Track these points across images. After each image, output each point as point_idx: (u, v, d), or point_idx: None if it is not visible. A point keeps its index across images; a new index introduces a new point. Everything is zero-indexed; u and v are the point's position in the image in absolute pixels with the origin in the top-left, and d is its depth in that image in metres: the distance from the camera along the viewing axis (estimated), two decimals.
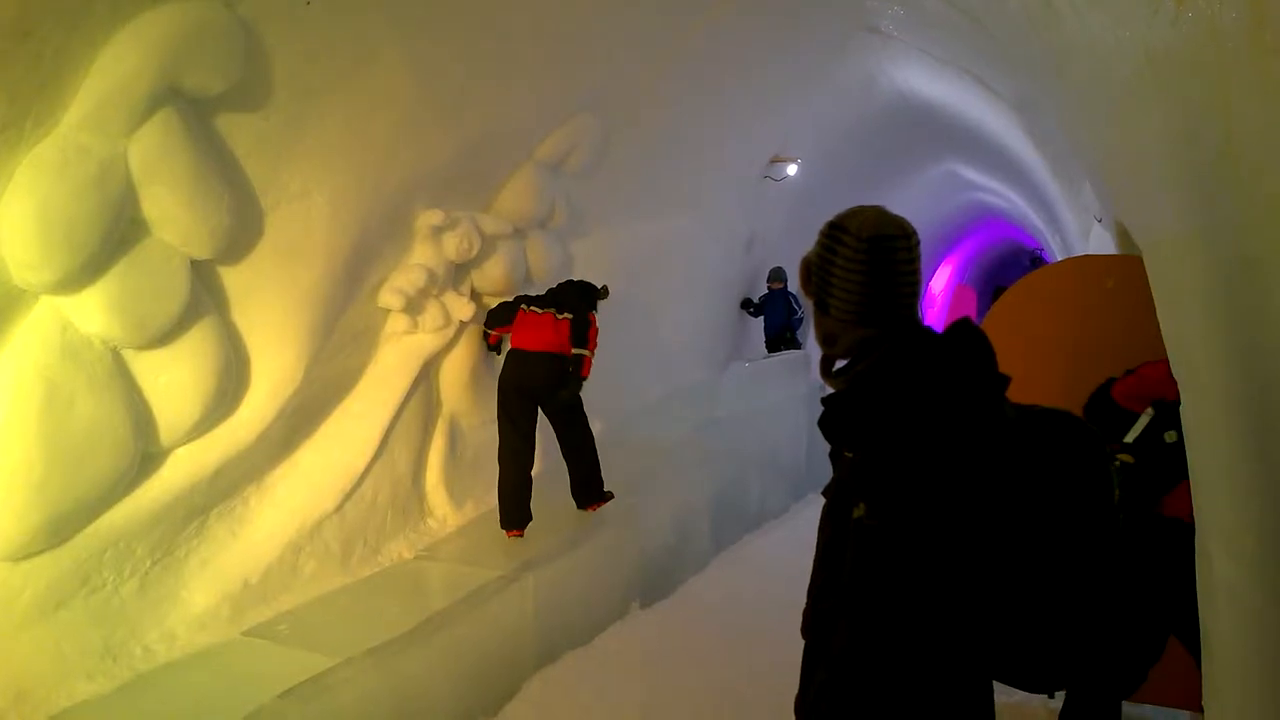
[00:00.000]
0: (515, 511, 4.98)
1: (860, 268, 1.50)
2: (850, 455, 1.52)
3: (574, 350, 5.17)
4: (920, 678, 1.38)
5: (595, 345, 5.24)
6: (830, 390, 1.60)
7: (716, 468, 6.53)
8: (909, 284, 1.54)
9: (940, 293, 16.55)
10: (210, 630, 3.80)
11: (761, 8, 6.01)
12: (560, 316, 5.19)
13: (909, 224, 1.56)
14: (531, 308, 5.22)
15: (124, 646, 3.53)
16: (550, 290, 5.40)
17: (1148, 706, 3.03)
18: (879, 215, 1.55)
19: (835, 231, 1.55)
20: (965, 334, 1.50)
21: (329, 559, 4.46)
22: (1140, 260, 2.83)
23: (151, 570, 3.69)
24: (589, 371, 5.21)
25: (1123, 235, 3.64)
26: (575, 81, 5.42)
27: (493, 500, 5.18)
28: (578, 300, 5.30)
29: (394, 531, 4.92)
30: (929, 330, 1.54)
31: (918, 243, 1.56)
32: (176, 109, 3.25)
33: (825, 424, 1.56)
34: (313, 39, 3.65)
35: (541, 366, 5.09)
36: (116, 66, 3.00)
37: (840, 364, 1.62)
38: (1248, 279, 1.73)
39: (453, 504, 5.24)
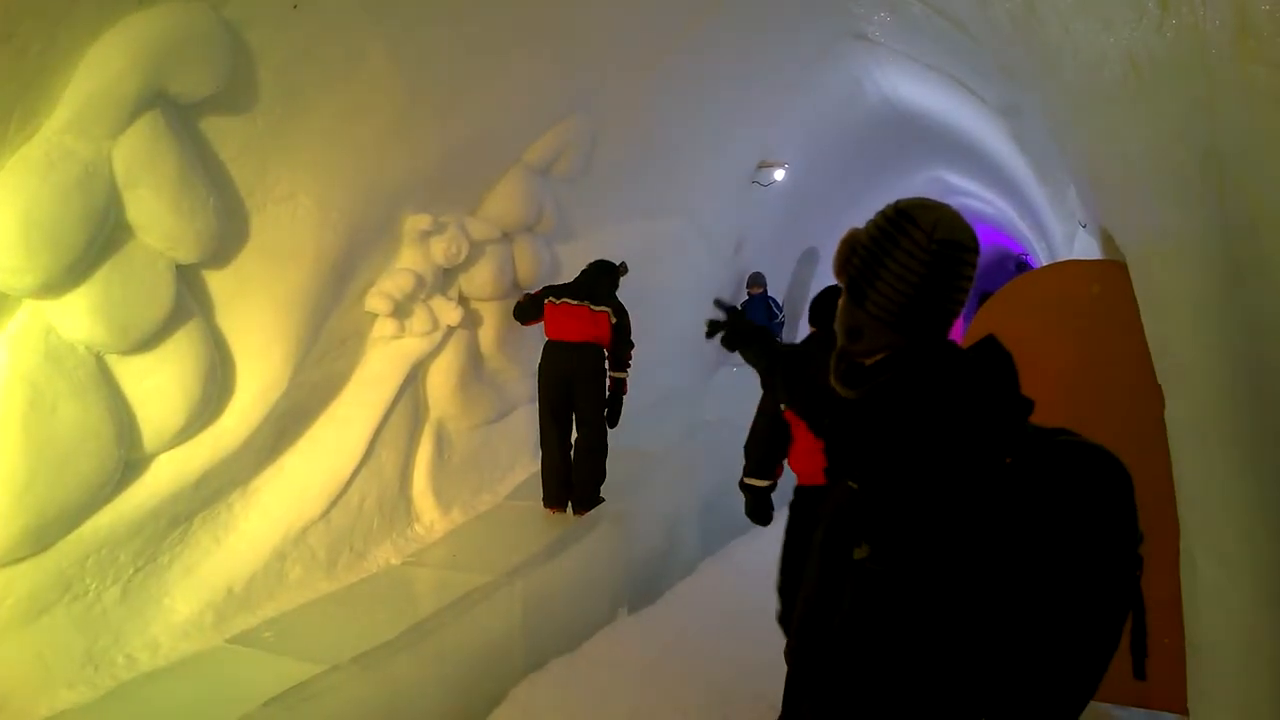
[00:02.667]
0: (555, 491, 5.32)
1: (920, 268, 1.36)
2: (854, 486, 1.36)
3: (613, 374, 5.36)
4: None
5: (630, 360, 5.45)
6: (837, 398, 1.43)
7: (704, 472, 6.51)
8: (959, 300, 1.40)
9: None
10: (194, 638, 3.77)
11: (749, 13, 6.04)
12: (596, 309, 5.24)
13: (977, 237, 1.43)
14: (564, 299, 5.28)
15: (106, 654, 3.49)
16: (577, 279, 5.43)
17: (1135, 710, 3.03)
18: (955, 219, 1.42)
19: (901, 220, 1.39)
20: (994, 357, 1.36)
21: (315, 565, 4.43)
22: (1125, 265, 2.85)
23: (134, 577, 3.65)
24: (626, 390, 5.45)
25: (1108, 240, 3.66)
26: (564, 85, 5.41)
27: (480, 505, 5.44)
28: (607, 289, 5.35)
29: (381, 537, 4.89)
30: (958, 350, 1.39)
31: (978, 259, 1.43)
32: (162, 112, 3.23)
33: (833, 443, 1.41)
34: (299, 42, 3.64)
35: (578, 357, 5.24)
36: (101, 69, 2.97)
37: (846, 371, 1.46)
38: (1233, 283, 1.74)
39: (440, 509, 5.22)
